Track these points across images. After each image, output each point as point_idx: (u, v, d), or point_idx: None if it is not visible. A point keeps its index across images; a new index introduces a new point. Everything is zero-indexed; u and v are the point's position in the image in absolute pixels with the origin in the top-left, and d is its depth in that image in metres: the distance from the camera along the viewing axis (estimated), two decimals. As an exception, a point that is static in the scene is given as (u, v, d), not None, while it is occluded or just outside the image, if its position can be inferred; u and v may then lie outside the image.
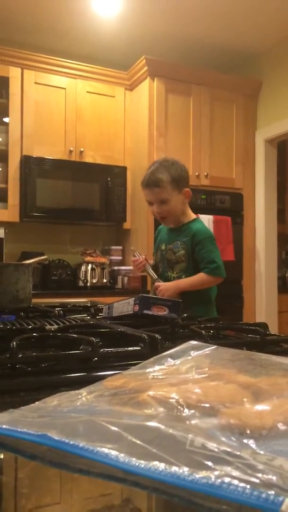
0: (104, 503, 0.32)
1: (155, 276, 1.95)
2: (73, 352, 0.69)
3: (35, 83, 3.33)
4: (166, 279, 1.93)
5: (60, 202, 3.30)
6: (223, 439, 0.34)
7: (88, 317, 1.21)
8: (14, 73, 3.27)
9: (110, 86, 3.57)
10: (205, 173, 3.49)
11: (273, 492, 0.26)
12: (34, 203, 3.22)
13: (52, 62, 3.37)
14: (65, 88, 3.42)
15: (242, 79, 3.72)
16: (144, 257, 2.01)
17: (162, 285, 1.87)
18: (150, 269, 1.98)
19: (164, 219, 1.94)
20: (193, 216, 1.98)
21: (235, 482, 0.28)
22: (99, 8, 3.18)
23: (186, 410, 0.39)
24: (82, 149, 3.43)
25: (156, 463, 0.30)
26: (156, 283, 1.90)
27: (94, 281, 3.38)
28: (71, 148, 3.40)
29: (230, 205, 3.55)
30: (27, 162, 3.22)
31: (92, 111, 3.50)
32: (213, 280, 1.87)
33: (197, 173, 3.45)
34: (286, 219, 4.36)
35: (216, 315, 1.89)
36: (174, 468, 0.30)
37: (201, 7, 3.15)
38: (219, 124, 3.59)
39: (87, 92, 3.49)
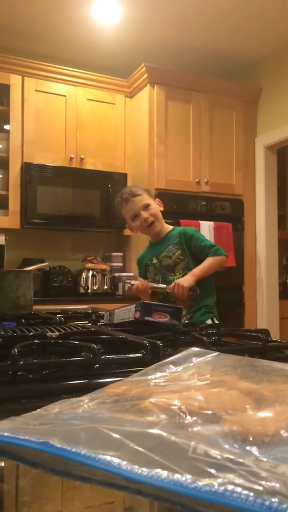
0: (106, 511, 0.32)
1: (163, 285, 1.94)
2: (74, 359, 0.69)
3: (36, 90, 3.35)
4: (169, 283, 1.93)
5: (61, 209, 3.31)
6: (226, 446, 0.33)
7: (89, 324, 1.21)
8: (14, 80, 3.29)
9: (110, 94, 3.59)
10: (206, 180, 3.50)
11: (276, 499, 0.26)
12: (34, 210, 3.23)
13: (52, 70, 3.40)
14: (65, 96, 3.44)
15: (242, 86, 3.74)
16: (137, 278, 2.05)
17: (178, 280, 1.87)
18: (154, 284, 1.98)
19: (152, 224, 1.98)
20: (169, 226, 2.09)
21: (238, 489, 0.27)
22: (99, 15, 3.21)
23: (188, 417, 0.39)
24: (82, 156, 3.44)
25: (158, 470, 0.30)
26: (171, 285, 1.89)
27: (95, 287, 3.38)
28: (72, 155, 3.41)
29: (231, 212, 3.56)
30: (27, 169, 3.23)
31: (92, 118, 3.52)
32: (220, 260, 1.97)
33: (197, 180, 3.46)
34: (286, 225, 4.36)
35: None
36: (177, 476, 0.29)
37: (201, 14, 3.18)
38: (219, 131, 3.60)
39: (88, 99, 3.51)
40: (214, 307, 2.01)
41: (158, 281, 2.01)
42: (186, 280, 1.85)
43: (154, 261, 2.04)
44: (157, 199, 2.07)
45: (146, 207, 1.96)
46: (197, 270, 1.91)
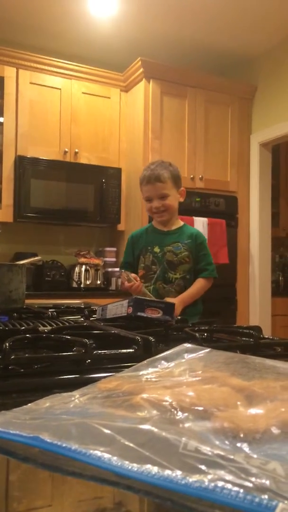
0: (96, 506, 0.32)
1: (154, 299, 1.88)
2: (66, 353, 0.69)
3: (30, 83, 3.33)
4: (167, 280, 1.93)
5: (54, 202, 3.29)
6: (217, 442, 0.33)
7: (82, 319, 1.20)
8: (9, 73, 3.27)
9: (106, 87, 3.57)
10: (200, 176, 3.49)
11: (266, 496, 0.26)
12: (28, 203, 3.22)
13: (47, 63, 3.37)
14: (60, 89, 3.42)
15: (237, 83, 3.74)
16: (136, 278, 1.94)
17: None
18: (147, 291, 1.94)
19: (162, 214, 1.97)
20: (181, 221, 2.07)
21: (229, 486, 0.27)
22: (96, 9, 3.18)
23: (179, 413, 0.39)
24: (77, 150, 3.42)
25: (149, 466, 0.30)
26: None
27: (88, 282, 3.37)
28: (66, 149, 3.40)
29: (225, 208, 3.56)
30: (21, 162, 3.21)
31: (87, 112, 3.50)
32: (210, 283, 1.98)
33: (192, 176, 3.46)
34: (280, 223, 4.38)
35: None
36: (167, 472, 0.29)
37: (198, 10, 3.16)
38: (214, 127, 3.60)
39: (83, 93, 3.49)
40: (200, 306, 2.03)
41: (156, 271, 1.97)
42: (175, 308, 1.81)
43: (157, 249, 1.99)
44: (182, 188, 2.02)
45: (163, 197, 1.94)
46: (188, 297, 1.90)
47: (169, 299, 1.83)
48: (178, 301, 1.82)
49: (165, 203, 1.95)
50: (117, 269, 3.58)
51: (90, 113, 3.51)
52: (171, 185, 1.95)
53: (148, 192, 1.97)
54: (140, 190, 2.04)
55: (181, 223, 2.06)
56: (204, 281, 1.95)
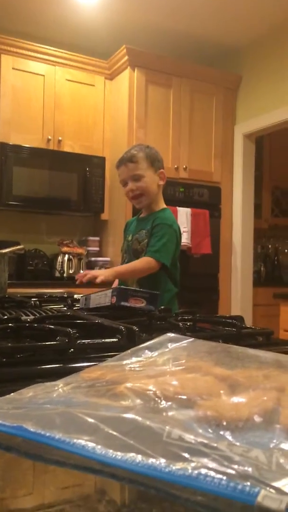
0: (80, 493, 0.32)
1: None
2: (49, 343, 0.69)
3: (13, 68, 3.26)
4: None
5: (37, 191, 3.26)
6: (200, 431, 0.34)
7: (65, 308, 1.20)
8: (-9, 57, 3.20)
9: (90, 75, 3.52)
10: (184, 166, 3.49)
11: (249, 483, 0.27)
12: (10, 191, 3.17)
13: (31, 48, 3.31)
14: (43, 75, 3.36)
15: (223, 73, 3.73)
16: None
17: (94, 271, 1.78)
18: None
19: (138, 198, 1.83)
20: (164, 206, 1.91)
21: (212, 473, 0.28)
22: (80, -6, 3.13)
23: (163, 402, 0.39)
24: (60, 138, 3.38)
25: (133, 454, 0.30)
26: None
27: (71, 271, 3.36)
28: (49, 137, 3.35)
29: (208, 199, 3.57)
30: (3, 149, 3.16)
31: (71, 99, 3.45)
32: (150, 264, 1.72)
33: (176, 166, 3.45)
34: (262, 214, 4.41)
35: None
36: (151, 460, 0.30)
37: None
38: (198, 117, 3.59)
39: (66, 80, 3.44)
40: (172, 302, 1.81)
41: (125, 260, 1.91)
42: (102, 274, 1.68)
43: (129, 238, 1.92)
44: (161, 170, 1.84)
45: (137, 178, 1.79)
46: (120, 268, 1.76)
47: (96, 271, 1.77)
48: (110, 270, 1.74)
49: (140, 185, 1.79)
50: (100, 258, 3.58)
51: (74, 100, 3.46)
52: (146, 166, 1.79)
53: (122, 175, 1.84)
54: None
55: (160, 207, 1.88)
56: (145, 259, 1.72)
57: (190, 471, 0.28)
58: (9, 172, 3.16)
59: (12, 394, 0.44)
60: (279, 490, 0.26)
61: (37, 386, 0.45)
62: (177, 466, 0.29)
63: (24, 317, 0.89)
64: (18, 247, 1.88)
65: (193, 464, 0.29)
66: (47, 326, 0.76)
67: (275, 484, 0.26)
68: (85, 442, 0.32)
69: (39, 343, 0.69)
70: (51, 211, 3.45)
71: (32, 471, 0.35)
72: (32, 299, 1.26)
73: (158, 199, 1.88)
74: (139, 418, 0.35)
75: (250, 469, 0.28)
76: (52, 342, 0.69)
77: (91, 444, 0.32)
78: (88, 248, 3.59)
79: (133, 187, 1.81)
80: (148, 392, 0.41)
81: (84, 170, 3.38)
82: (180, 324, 0.83)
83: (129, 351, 0.57)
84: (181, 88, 3.51)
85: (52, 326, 0.75)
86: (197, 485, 0.27)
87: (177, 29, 3.55)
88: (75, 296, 1.47)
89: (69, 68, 3.44)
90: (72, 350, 0.66)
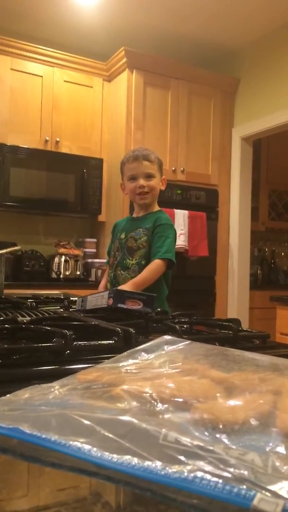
0: (75, 496, 0.32)
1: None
2: (45, 344, 0.68)
3: (11, 69, 3.26)
4: (125, 266, 1.89)
5: (35, 192, 3.25)
6: (196, 433, 0.34)
7: (61, 310, 1.20)
8: (-10, 58, 3.20)
9: (88, 76, 3.53)
10: (182, 168, 3.50)
11: (244, 486, 0.27)
12: (7, 192, 3.17)
13: (29, 49, 3.31)
14: (42, 76, 3.36)
15: (221, 76, 3.74)
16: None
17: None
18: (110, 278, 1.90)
19: (145, 196, 1.91)
20: (158, 208, 2.00)
21: (208, 476, 0.28)
22: (79, -4, 3.13)
23: (159, 405, 0.39)
24: (58, 139, 3.38)
25: (129, 457, 0.30)
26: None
27: (67, 273, 3.36)
28: (47, 138, 3.35)
29: (205, 201, 3.58)
30: (1, 150, 3.15)
31: (69, 101, 3.45)
32: (163, 266, 1.80)
33: (173, 168, 3.46)
34: (259, 217, 4.42)
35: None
36: (147, 463, 0.30)
37: (182, 2, 3.14)
38: (196, 120, 3.60)
39: (65, 81, 3.44)
40: (163, 304, 1.86)
41: (117, 258, 1.94)
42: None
43: (122, 236, 1.96)
44: (164, 177, 1.98)
45: (149, 176, 1.89)
46: (140, 280, 1.75)
47: (122, 286, 1.73)
48: (129, 286, 1.72)
49: (150, 183, 1.89)
50: (97, 260, 3.57)
51: (72, 102, 3.46)
52: (156, 169, 1.92)
53: (134, 170, 1.89)
54: (121, 172, 1.97)
55: (156, 209, 1.98)
56: (157, 262, 1.79)
57: (186, 474, 0.28)
58: (7, 173, 3.16)
59: (8, 395, 0.43)
60: (275, 494, 0.26)
61: (33, 388, 0.45)
62: (173, 469, 0.29)
63: (20, 318, 0.89)
64: (15, 248, 1.88)
65: (189, 467, 0.29)
66: (44, 327, 0.76)
67: (271, 487, 0.26)
68: (81, 444, 0.32)
69: (36, 345, 0.68)
70: (48, 212, 3.45)
71: (28, 473, 0.35)
72: (29, 300, 1.25)
73: (155, 201, 1.99)
74: (135, 421, 0.35)
75: (246, 472, 0.28)
76: (49, 344, 0.69)
77: (87, 446, 0.32)
78: (85, 249, 3.58)
79: (144, 183, 1.90)
80: (144, 394, 0.41)
81: (82, 172, 3.38)
82: (177, 326, 0.83)
83: (125, 353, 0.57)
84: (179, 91, 3.52)
85: (49, 328, 0.75)
86: (193, 488, 0.27)
87: (175, 32, 3.55)
88: (71, 298, 1.46)
89: (67, 70, 3.44)
90: (68, 351, 0.66)
